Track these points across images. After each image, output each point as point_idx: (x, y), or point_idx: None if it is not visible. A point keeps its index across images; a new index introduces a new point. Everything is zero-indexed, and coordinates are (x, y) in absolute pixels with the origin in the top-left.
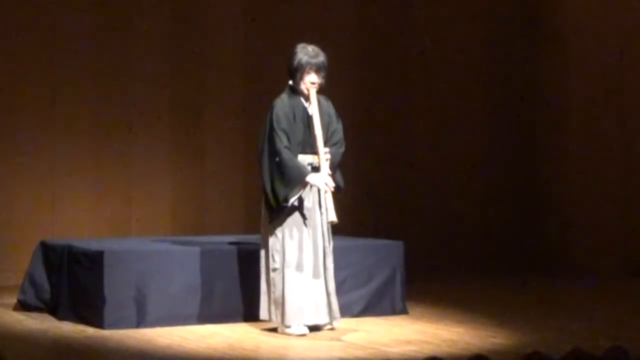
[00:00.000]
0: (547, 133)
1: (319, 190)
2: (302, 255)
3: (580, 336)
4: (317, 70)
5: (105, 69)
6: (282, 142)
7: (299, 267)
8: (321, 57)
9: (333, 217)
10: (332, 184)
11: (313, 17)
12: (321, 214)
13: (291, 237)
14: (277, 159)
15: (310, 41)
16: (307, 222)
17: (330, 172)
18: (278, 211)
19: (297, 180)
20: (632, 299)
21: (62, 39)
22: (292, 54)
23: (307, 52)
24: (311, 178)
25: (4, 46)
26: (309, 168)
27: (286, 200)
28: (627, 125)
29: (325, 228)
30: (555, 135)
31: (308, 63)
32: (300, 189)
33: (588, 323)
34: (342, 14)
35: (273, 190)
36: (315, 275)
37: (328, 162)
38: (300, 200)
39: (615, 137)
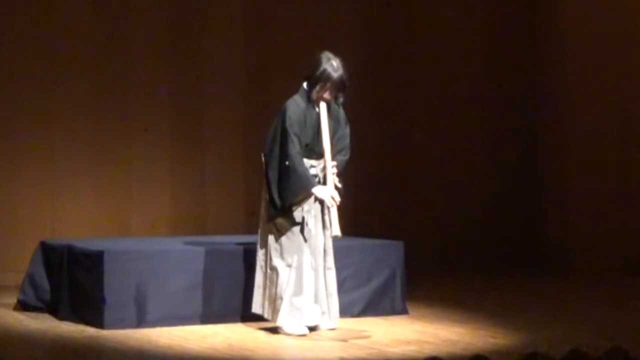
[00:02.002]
0: (548, 133)
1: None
2: (302, 255)
3: (580, 336)
4: (337, 89)
5: (105, 68)
6: (294, 147)
7: (299, 266)
8: (341, 72)
9: (337, 232)
10: (338, 199)
11: (312, 16)
12: (323, 213)
13: (291, 236)
14: (287, 163)
15: (309, 39)
16: (308, 222)
17: (340, 185)
18: (279, 212)
19: (304, 189)
20: (632, 299)
21: (62, 39)
22: (316, 62)
23: (331, 66)
24: (317, 190)
25: (3, 46)
26: (312, 170)
27: (290, 207)
28: (627, 126)
29: (327, 229)
30: (556, 136)
31: (330, 78)
32: (306, 199)
33: (588, 323)
34: (341, 13)
35: (279, 193)
36: (316, 275)
37: (334, 176)
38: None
39: (615, 138)
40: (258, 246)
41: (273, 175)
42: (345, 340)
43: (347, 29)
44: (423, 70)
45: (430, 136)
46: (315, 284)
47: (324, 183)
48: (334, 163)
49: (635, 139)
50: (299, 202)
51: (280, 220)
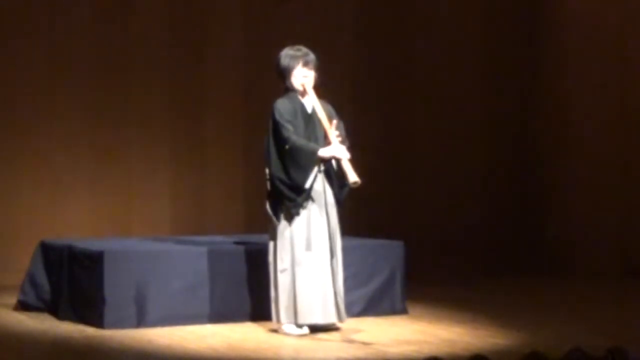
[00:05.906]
0: (548, 135)
1: (325, 192)
2: (311, 255)
3: (580, 336)
4: (306, 63)
5: (105, 69)
6: (288, 130)
7: (308, 266)
8: (305, 50)
9: (355, 178)
10: (347, 153)
11: (312, 18)
12: (328, 215)
13: (299, 237)
14: (286, 147)
15: (309, 43)
16: (314, 223)
17: (346, 145)
18: (297, 199)
19: (310, 157)
20: (632, 299)
21: (62, 40)
22: (277, 58)
23: (290, 49)
24: (324, 151)
25: (3, 45)
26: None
27: (304, 184)
28: (626, 126)
29: (333, 229)
30: (556, 137)
31: (295, 57)
32: (315, 170)
33: (588, 323)
34: (341, 16)
35: (289, 178)
36: (324, 275)
37: (338, 138)
38: (310, 200)
39: (614, 138)
40: (269, 254)
41: (277, 168)
42: (345, 340)
43: (347, 31)
44: (423, 71)
45: (430, 136)
46: (323, 284)
47: (326, 176)
48: (336, 132)
49: (636, 140)
50: (311, 177)
51: (286, 221)
